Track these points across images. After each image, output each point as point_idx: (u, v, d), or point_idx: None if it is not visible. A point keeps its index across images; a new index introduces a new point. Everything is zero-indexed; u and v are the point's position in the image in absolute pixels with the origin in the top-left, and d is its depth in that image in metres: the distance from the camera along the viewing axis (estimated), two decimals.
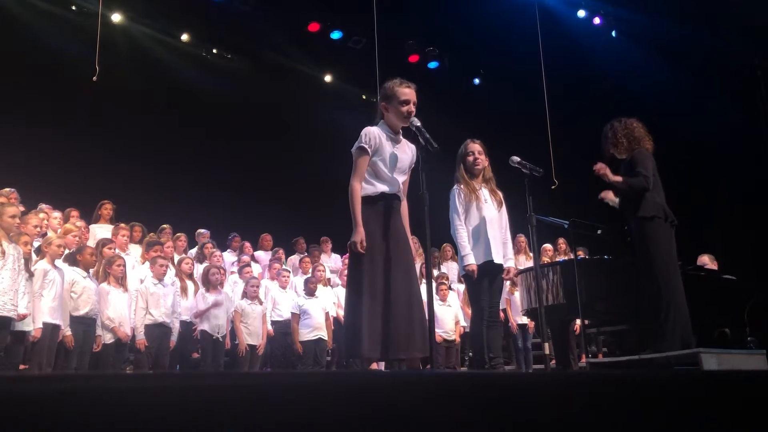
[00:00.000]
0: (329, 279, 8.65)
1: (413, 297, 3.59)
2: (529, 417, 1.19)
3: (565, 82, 10.67)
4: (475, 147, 4.66)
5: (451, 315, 8.03)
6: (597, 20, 11.70)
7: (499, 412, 1.16)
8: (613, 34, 11.72)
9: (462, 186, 4.59)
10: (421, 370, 3.32)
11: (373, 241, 3.56)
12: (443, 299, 7.96)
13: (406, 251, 3.71)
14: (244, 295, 7.35)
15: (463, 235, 4.50)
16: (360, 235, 3.54)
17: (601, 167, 4.73)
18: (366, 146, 3.66)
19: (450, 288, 8.48)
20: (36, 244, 5.98)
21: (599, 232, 5.23)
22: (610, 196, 4.88)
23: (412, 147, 3.81)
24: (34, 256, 5.78)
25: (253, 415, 1.02)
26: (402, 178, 3.80)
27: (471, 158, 4.64)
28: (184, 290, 7.10)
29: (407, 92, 3.72)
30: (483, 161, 4.65)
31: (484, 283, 4.44)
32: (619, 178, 4.71)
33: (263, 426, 1.03)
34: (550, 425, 1.20)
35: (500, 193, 4.69)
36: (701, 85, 10.10)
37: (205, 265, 7.80)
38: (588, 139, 10.41)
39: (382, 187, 3.69)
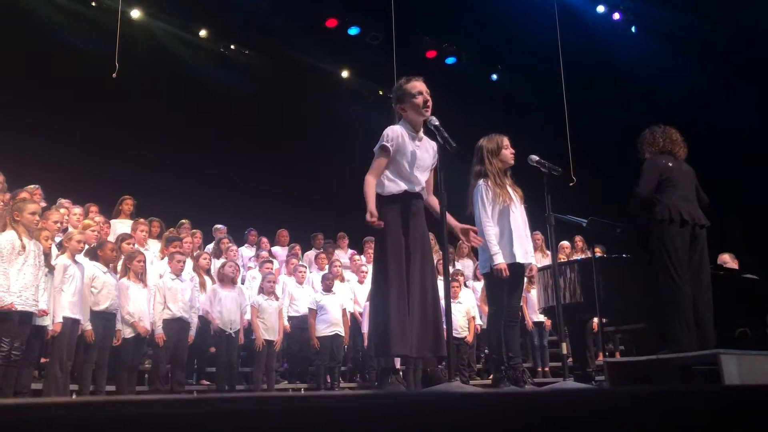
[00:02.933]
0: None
1: (428, 297, 3.60)
2: None
3: (584, 78, 10.60)
4: (509, 142, 4.61)
5: (461, 312, 8.00)
6: (616, 16, 11.60)
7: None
8: (633, 29, 11.61)
9: (489, 183, 4.49)
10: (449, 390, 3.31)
11: (397, 239, 3.57)
12: (454, 296, 7.92)
13: (428, 251, 3.73)
14: (261, 290, 7.40)
15: (491, 232, 4.40)
16: (370, 209, 3.51)
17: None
18: (388, 145, 3.67)
19: (465, 285, 8.47)
20: (57, 239, 6.05)
21: (618, 230, 5.20)
22: None
23: (433, 144, 3.80)
24: (55, 251, 5.85)
25: None
26: (424, 176, 3.81)
27: (509, 152, 4.58)
28: (202, 285, 7.16)
29: (416, 85, 3.73)
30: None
31: (506, 283, 4.39)
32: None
33: None
34: None
35: (520, 190, 4.63)
36: (723, 80, 9.98)
37: (222, 260, 7.87)
38: (607, 135, 10.39)
39: (404, 186, 3.71)
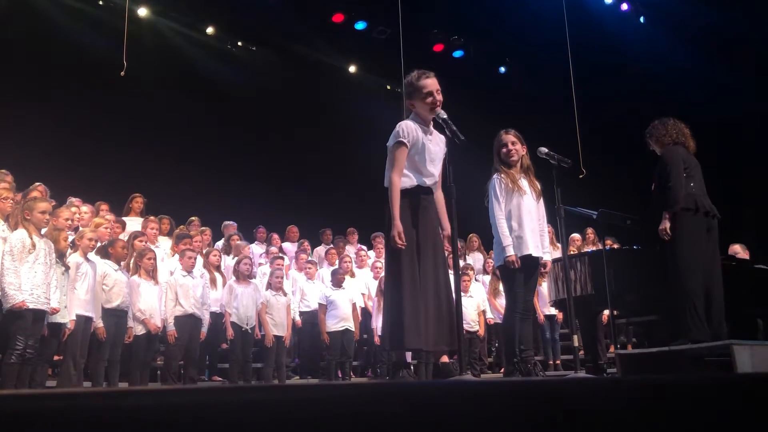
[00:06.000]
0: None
1: (442, 291, 3.61)
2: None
3: (592, 69, 10.53)
4: (509, 138, 4.53)
5: (473, 306, 7.99)
6: (625, 6, 11.53)
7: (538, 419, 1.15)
8: (641, 20, 11.54)
9: (503, 176, 4.47)
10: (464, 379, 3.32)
11: (409, 234, 3.58)
12: (464, 291, 7.91)
13: (439, 245, 3.73)
14: (269, 286, 7.42)
15: (503, 225, 4.38)
16: (397, 228, 3.54)
17: (663, 232, 4.68)
18: (404, 140, 3.67)
19: (475, 279, 8.46)
20: (69, 237, 6.07)
21: (628, 222, 5.17)
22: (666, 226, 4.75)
23: (443, 138, 3.80)
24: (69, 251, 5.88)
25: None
26: (437, 169, 3.81)
27: (505, 150, 4.51)
28: (213, 282, 7.18)
29: (429, 83, 3.72)
30: (518, 151, 4.52)
31: (519, 276, 4.36)
32: (667, 224, 4.67)
33: None
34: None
35: (539, 184, 4.57)
36: (731, 70, 9.91)
37: (231, 256, 7.89)
38: (616, 127, 10.34)
39: (417, 180, 3.71)
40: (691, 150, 4.84)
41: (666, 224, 4.63)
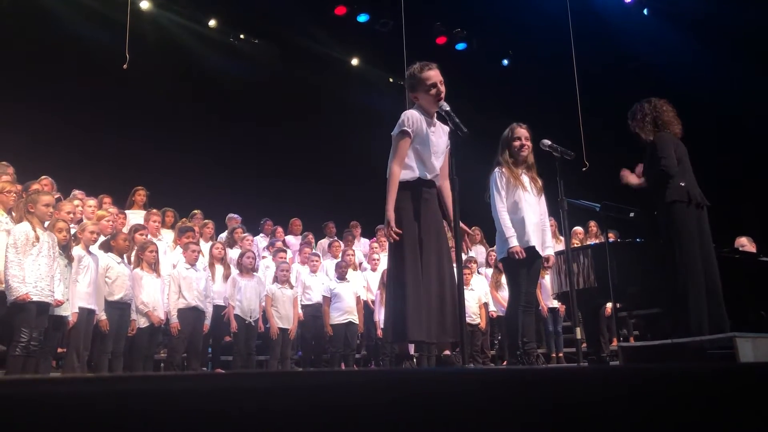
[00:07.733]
0: (359, 263, 8.69)
1: (446, 283, 3.60)
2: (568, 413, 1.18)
3: (595, 62, 10.50)
4: (523, 132, 4.51)
5: (474, 299, 8.00)
6: None
7: (534, 407, 1.16)
8: (645, 12, 11.49)
9: (504, 169, 4.47)
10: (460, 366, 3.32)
11: (411, 226, 3.57)
12: (466, 284, 7.91)
13: (442, 237, 3.73)
14: (275, 279, 7.44)
15: (505, 217, 4.38)
16: (389, 218, 3.54)
17: (623, 174, 4.89)
18: (408, 129, 3.64)
19: (477, 272, 8.47)
20: (72, 230, 6.08)
21: (631, 215, 5.15)
22: (630, 179, 4.85)
23: (446, 129, 3.78)
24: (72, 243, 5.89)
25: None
26: (439, 162, 3.79)
27: (518, 144, 4.49)
28: (215, 274, 7.20)
29: (432, 75, 3.68)
30: (529, 147, 4.51)
31: (522, 268, 4.36)
32: (638, 181, 4.81)
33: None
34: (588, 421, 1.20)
35: (540, 181, 4.56)
36: (736, 63, 9.87)
37: (236, 249, 7.90)
38: (619, 119, 10.27)
39: (419, 172, 3.69)
40: (677, 135, 4.75)
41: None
